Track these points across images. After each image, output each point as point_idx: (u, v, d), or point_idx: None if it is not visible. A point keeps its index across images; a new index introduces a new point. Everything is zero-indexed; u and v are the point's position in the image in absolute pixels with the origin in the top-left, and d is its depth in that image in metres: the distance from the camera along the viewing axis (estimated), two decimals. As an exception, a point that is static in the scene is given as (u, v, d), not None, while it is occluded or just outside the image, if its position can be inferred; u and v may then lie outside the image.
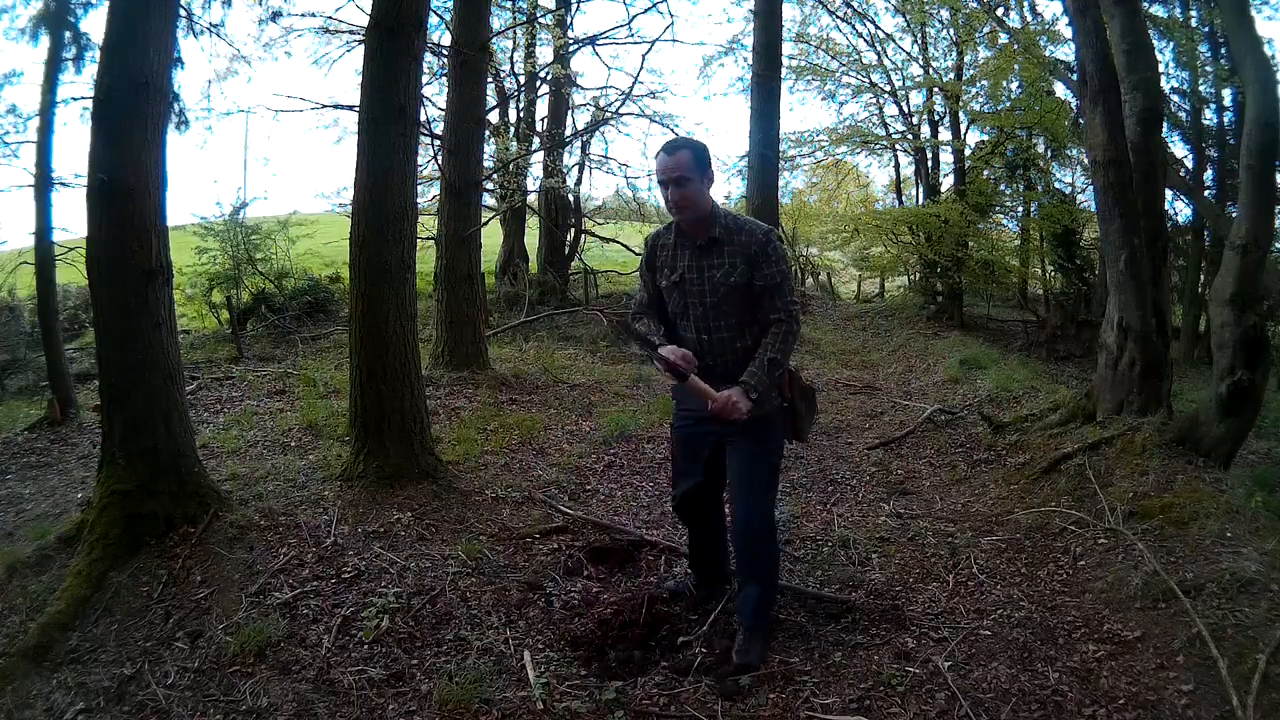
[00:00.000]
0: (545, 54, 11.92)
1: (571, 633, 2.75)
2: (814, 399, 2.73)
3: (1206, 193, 11.31)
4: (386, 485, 3.65)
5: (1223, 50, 10.38)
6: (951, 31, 12.20)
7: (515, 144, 11.83)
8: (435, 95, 10.74)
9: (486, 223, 8.96)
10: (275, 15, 8.50)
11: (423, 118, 8.07)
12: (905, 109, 13.67)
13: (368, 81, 3.90)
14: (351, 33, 10.81)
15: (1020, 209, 13.31)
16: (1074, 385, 6.86)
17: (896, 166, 14.63)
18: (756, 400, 2.35)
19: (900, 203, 14.28)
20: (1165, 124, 7.60)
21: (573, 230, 13.38)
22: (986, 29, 11.38)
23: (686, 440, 2.75)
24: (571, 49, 11.62)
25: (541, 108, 13.60)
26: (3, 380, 7.50)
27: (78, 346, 8.19)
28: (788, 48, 11.74)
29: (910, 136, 13.55)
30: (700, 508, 2.86)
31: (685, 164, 2.37)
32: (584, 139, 12.94)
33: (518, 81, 12.00)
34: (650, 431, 5.26)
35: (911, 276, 13.61)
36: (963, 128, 12.88)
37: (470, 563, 3.11)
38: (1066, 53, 10.05)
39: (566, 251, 13.43)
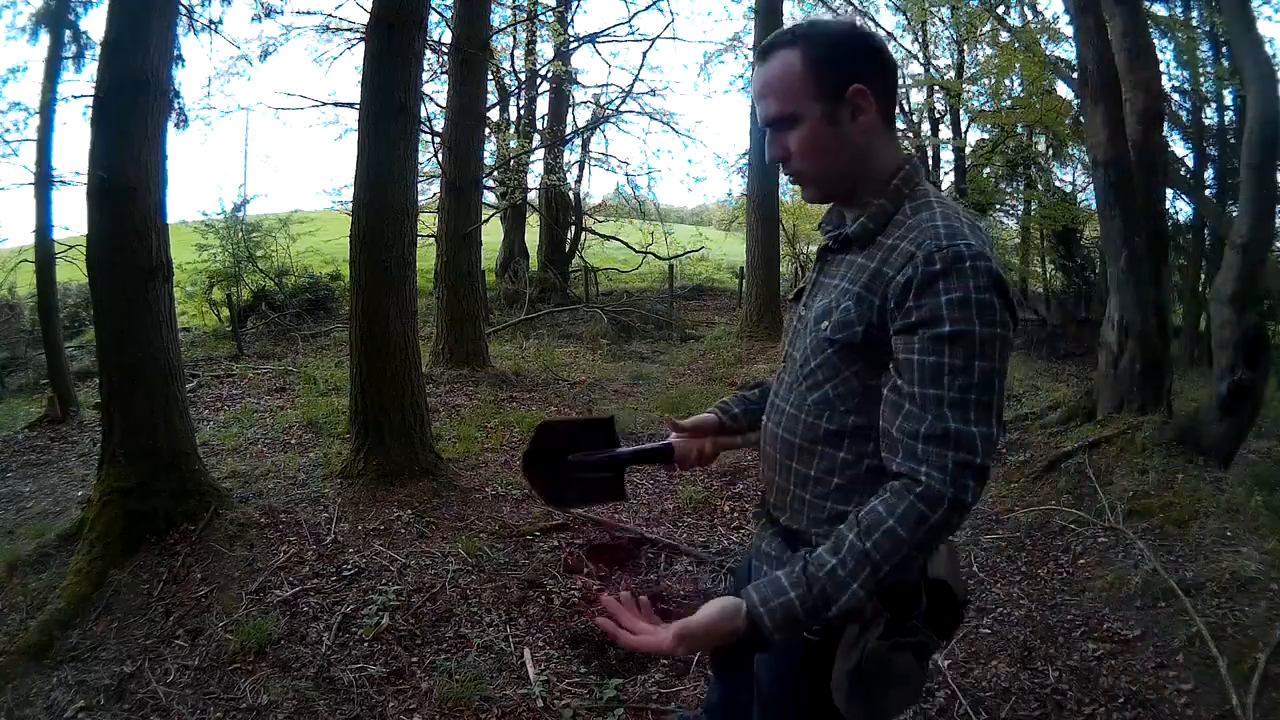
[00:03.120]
0: (546, 51, 11.94)
1: (572, 630, 2.75)
2: (883, 673, 1.02)
3: (1207, 192, 11.29)
4: (387, 483, 3.65)
5: (1224, 50, 10.36)
6: (952, 29, 12.19)
7: (515, 141, 11.83)
8: (436, 93, 10.77)
9: (487, 220, 8.96)
10: (269, 13, 8.50)
11: (423, 115, 8.07)
12: (906, 107, 13.68)
13: (368, 79, 3.90)
14: (352, 30, 10.83)
15: (1021, 207, 13.32)
16: (1074, 384, 6.86)
17: (897, 165, 14.64)
18: (755, 643, 0.96)
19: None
20: (1166, 123, 7.58)
21: (573, 228, 13.40)
22: (987, 27, 11.37)
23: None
24: (572, 46, 11.64)
25: (542, 105, 13.64)
26: (3, 378, 7.51)
27: (78, 345, 8.19)
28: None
29: (911, 134, 13.55)
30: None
31: (787, 83, 1.03)
32: (584, 136, 12.96)
33: (518, 79, 12.01)
34: (650, 430, 5.26)
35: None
36: (963, 126, 12.90)
37: (470, 560, 3.11)
38: (1068, 51, 10.04)
39: (567, 249, 13.45)
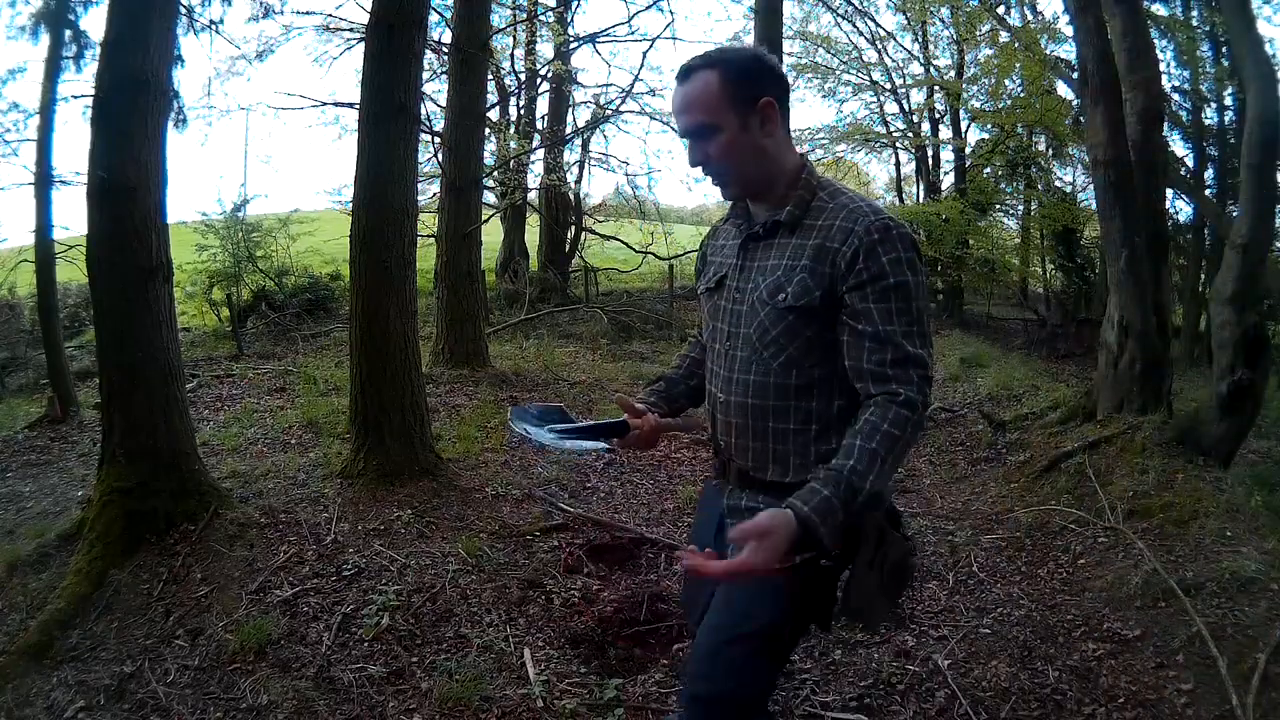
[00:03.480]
0: (546, 51, 11.93)
1: (572, 630, 2.75)
2: (905, 570, 1.33)
3: (1207, 191, 11.30)
4: (387, 483, 3.65)
5: (1224, 50, 10.37)
6: (952, 30, 12.19)
7: (515, 141, 11.82)
8: (436, 92, 10.77)
9: (487, 220, 8.96)
10: (269, 13, 8.50)
11: (423, 115, 8.07)
12: (906, 107, 13.69)
13: (368, 79, 3.90)
14: (352, 30, 10.83)
15: (1021, 207, 13.34)
16: (1074, 384, 6.87)
17: (897, 164, 14.65)
18: (809, 542, 1.12)
19: (901, 201, 14.28)
20: (1166, 122, 7.59)
21: (573, 228, 13.39)
22: (987, 27, 11.37)
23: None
24: (572, 46, 11.62)
25: (542, 105, 13.62)
26: (3, 378, 7.51)
27: (78, 345, 8.19)
28: (788, 45, 11.74)
29: (911, 134, 13.55)
30: None
31: (706, 99, 1.25)
32: (584, 136, 12.94)
33: (518, 79, 12.01)
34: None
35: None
36: (963, 126, 12.91)
37: (470, 560, 3.11)
38: (1068, 50, 10.06)
39: (567, 249, 13.44)
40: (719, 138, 1.25)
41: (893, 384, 1.18)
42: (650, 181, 15.78)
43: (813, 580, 1.28)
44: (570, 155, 13.22)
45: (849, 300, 1.21)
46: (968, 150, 12.72)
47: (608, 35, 11.40)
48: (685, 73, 1.27)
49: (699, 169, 1.30)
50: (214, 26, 6.06)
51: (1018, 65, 10.72)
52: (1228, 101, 11.08)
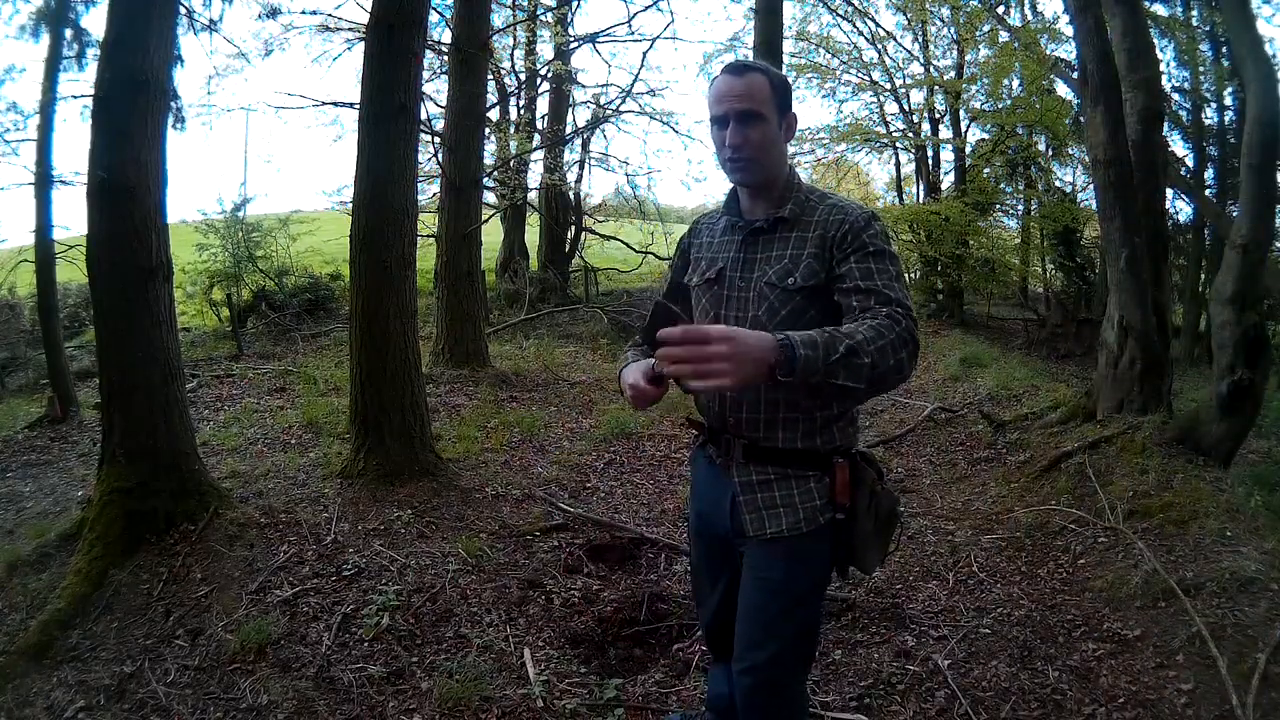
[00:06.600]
0: (546, 51, 11.93)
1: (572, 630, 2.76)
2: (894, 518, 1.61)
3: (1207, 191, 11.30)
4: (387, 483, 3.65)
5: (1224, 50, 10.37)
6: (952, 29, 12.18)
7: (516, 141, 11.81)
8: (436, 93, 10.76)
9: (487, 220, 8.96)
10: (273, 12, 8.50)
11: (423, 115, 8.07)
12: (906, 107, 13.67)
13: (368, 79, 3.90)
14: (352, 30, 10.82)
15: (1021, 207, 13.33)
16: (1074, 384, 6.86)
17: (897, 164, 14.62)
18: (787, 370, 1.17)
19: (901, 201, 14.26)
20: (1166, 122, 7.59)
21: (573, 228, 13.39)
22: (987, 27, 11.36)
23: (701, 545, 1.84)
24: (572, 46, 11.62)
25: (542, 105, 13.61)
26: (3, 378, 7.51)
27: (78, 345, 8.19)
28: (788, 45, 11.71)
29: (911, 134, 13.54)
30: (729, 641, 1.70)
31: (759, 93, 1.45)
32: (584, 136, 12.93)
33: (518, 79, 12.00)
34: (650, 429, 5.26)
35: (912, 275, 13.62)
36: (963, 126, 12.89)
37: (470, 560, 3.12)
38: (1068, 50, 10.05)
39: (567, 249, 13.43)
40: (762, 126, 1.46)
41: (879, 308, 1.34)
42: (650, 181, 15.72)
43: (836, 537, 1.52)
44: (570, 155, 13.22)
45: (840, 269, 1.43)
46: (968, 150, 12.71)
47: (608, 35, 11.40)
48: (740, 69, 1.48)
49: (733, 151, 1.48)
50: (214, 26, 6.06)
51: (1017, 65, 10.72)
52: (1228, 101, 11.08)
